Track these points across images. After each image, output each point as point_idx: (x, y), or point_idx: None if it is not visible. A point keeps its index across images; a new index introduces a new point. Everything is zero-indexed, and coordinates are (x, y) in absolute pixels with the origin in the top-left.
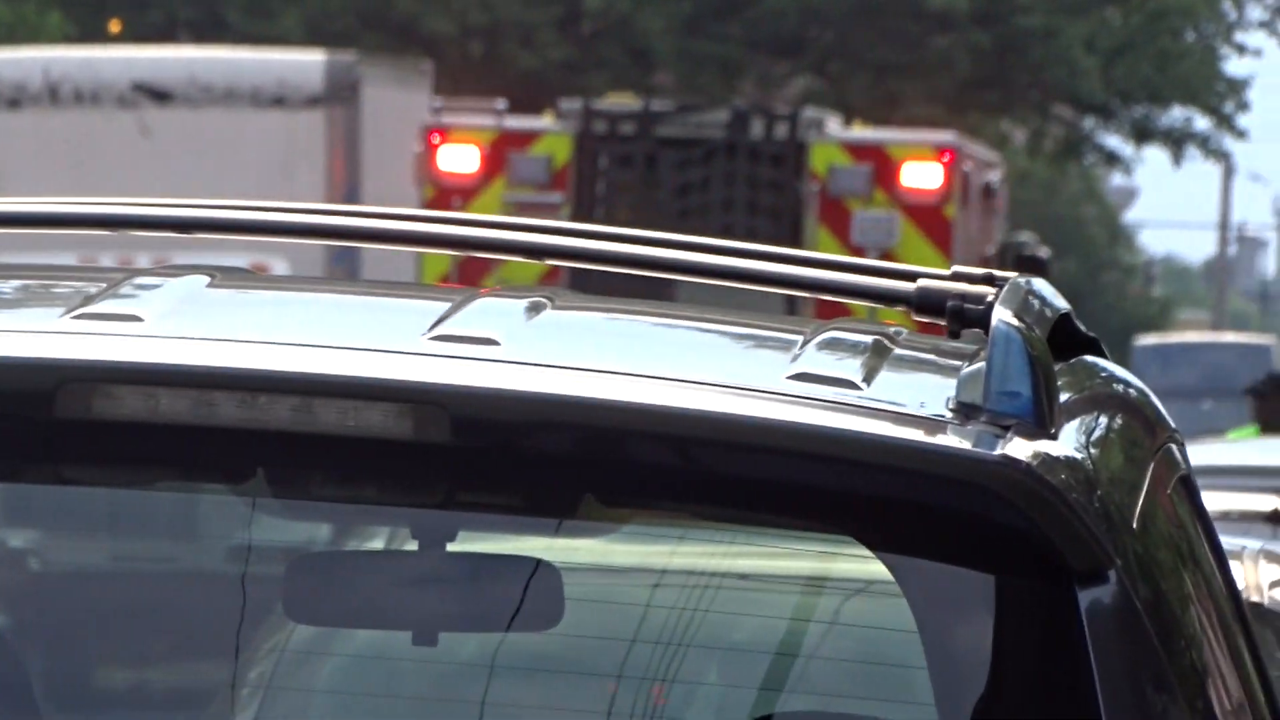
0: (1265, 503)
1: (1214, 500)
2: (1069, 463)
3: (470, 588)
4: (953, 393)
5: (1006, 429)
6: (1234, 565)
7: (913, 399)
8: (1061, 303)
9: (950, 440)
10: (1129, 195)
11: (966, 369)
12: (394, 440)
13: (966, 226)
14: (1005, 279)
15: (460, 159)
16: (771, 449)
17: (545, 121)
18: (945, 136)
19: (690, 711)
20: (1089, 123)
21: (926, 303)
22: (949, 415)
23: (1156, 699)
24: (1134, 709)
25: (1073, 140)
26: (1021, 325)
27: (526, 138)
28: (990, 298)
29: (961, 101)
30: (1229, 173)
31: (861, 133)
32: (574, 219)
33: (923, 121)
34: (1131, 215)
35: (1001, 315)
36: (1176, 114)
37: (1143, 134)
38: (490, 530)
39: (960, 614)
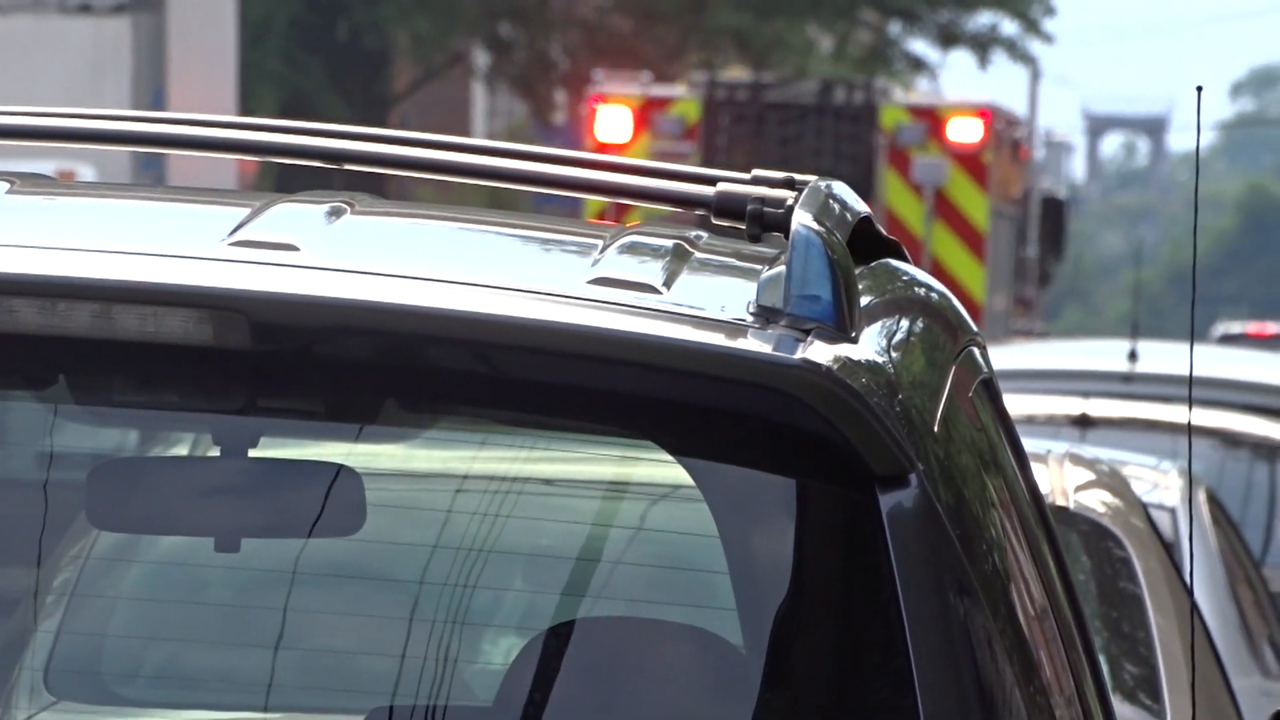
0: (1072, 406)
1: (1019, 404)
2: (869, 366)
3: (272, 494)
4: (753, 297)
5: (807, 333)
6: (1038, 469)
7: (713, 303)
8: (862, 206)
9: (750, 344)
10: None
11: (766, 273)
12: (194, 346)
13: (999, 171)
14: (805, 183)
15: (616, 118)
16: (571, 353)
17: (679, 89)
18: (984, 100)
19: (494, 617)
20: (895, 28)
21: (726, 207)
22: (749, 319)
23: (959, 603)
24: (936, 613)
25: (879, 46)
26: (821, 229)
27: (665, 102)
28: (790, 201)
29: (768, 6)
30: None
31: (920, 97)
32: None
33: (731, 30)
34: None
35: (801, 219)
36: (984, 18)
37: (949, 38)
38: (292, 436)
39: (761, 519)
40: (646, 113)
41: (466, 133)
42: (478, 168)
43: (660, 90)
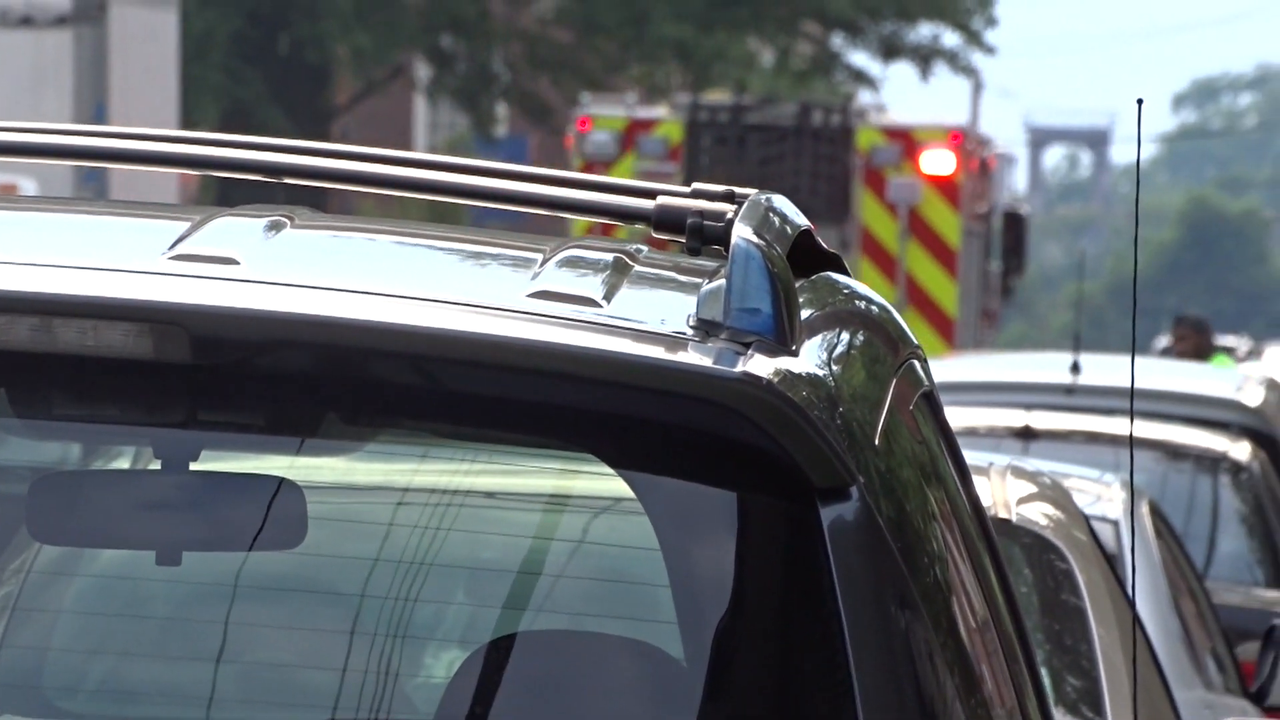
0: (1014, 418)
1: (962, 416)
2: (810, 379)
3: (213, 507)
4: (693, 310)
5: (747, 346)
6: (980, 481)
7: (653, 316)
8: (802, 220)
9: (690, 357)
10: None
11: (706, 286)
12: (134, 360)
13: (968, 188)
14: (745, 196)
15: (602, 138)
16: (511, 367)
17: (662, 111)
18: (956, 123)
19: (436, 631)
20: (837, 40)
21: (666, 220)
22: (690, 332)
23: (900, 616)
24: (877, 626)
25: (820, 58)
26: (761, 242)
27: (650, 123)
28: (730, 215)
29: (710, 19)
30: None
31: (894, 119)
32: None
33: (672, 43)
34: None
35: (741, 232)
36: (925, 30)
37: (891, 50)
38: (233, 449)
39: (702, 532)
40: (632, 134)
41: (408, 146)
42: (418, 181)
43: (645, 112)
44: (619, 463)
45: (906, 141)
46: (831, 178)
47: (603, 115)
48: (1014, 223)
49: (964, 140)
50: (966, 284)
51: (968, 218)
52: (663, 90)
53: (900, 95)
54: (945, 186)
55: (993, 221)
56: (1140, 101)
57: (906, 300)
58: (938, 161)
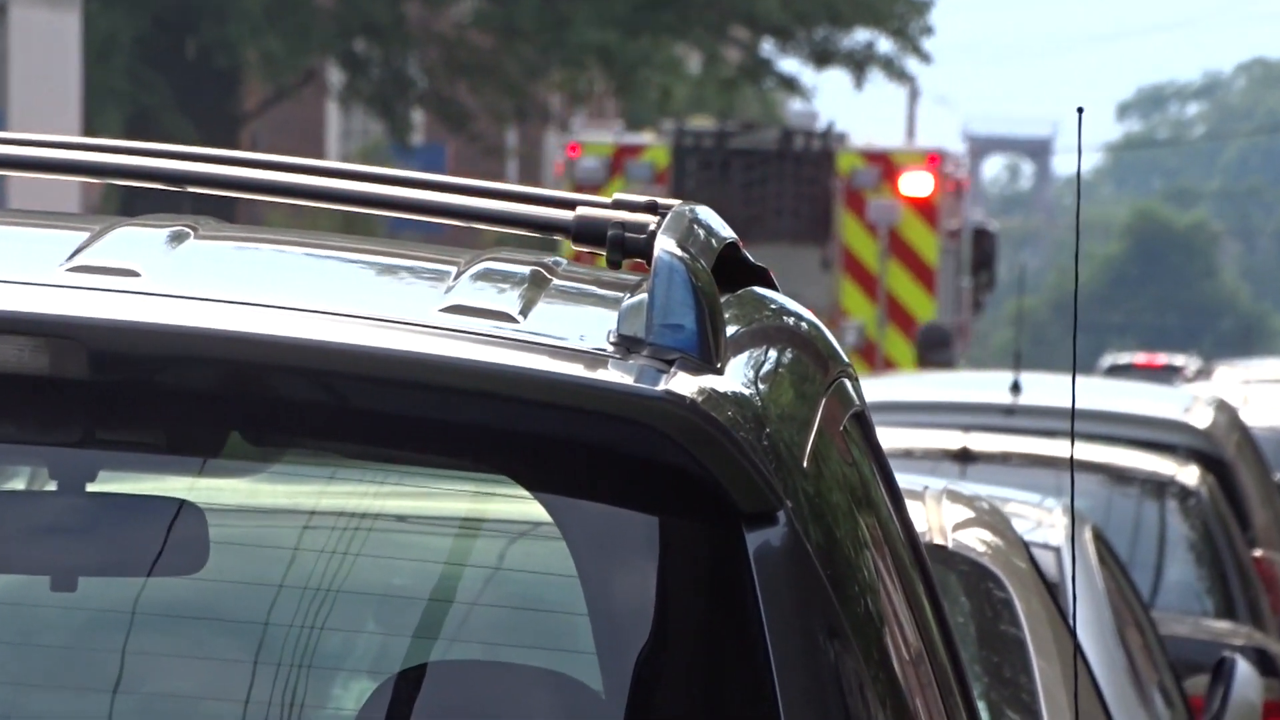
0: (952, 440)
1: (897, 438)
2: (736, 398)
3: (111, 530)
4: (614, 326)
5: (670, 363)
6: (915, 506)
7: (572, 332)
8: (727, 232)
9: (610, 375)
10: (810, 120)
11: (628, 301)
12: (29, 375)
13: (944, 209)
14: (668, 206)
15: (591, 164)
16: (422, 385)
17: (649, 137)
18: (932, 147)
19: (344, 661)
20: (767, 46)
21: (585, 231)
22: (609, 349)
23: (829, 646)
24: (805, 657)
25: (750, 64)
26: (685, 255)
27: (637, 149)
28: (652, 226)
29: (634, 24)
30: (914, 96)
31: (872, 144)
32: None
33: (595, 48)
34: None
35: (664, 244)
36: (859, 36)
37: (823, 57)
38: (132, 470)
39: (622, 558)
40: (620, 159)
41: (320, 154)
42: (330, 191)
43: (632, 138)
44: (535, 485)
45: (885, 164)
46: (814, 200)
47: (592, 141)
48: (983, 239)
49: (941, 163)
50: (944, 301)
51: (942, 236)
52: (583, 97)
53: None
54: (923, 207)
55: (962, 238)
56: (1080, 110)
57: (887, 317)
58: (916, 183)
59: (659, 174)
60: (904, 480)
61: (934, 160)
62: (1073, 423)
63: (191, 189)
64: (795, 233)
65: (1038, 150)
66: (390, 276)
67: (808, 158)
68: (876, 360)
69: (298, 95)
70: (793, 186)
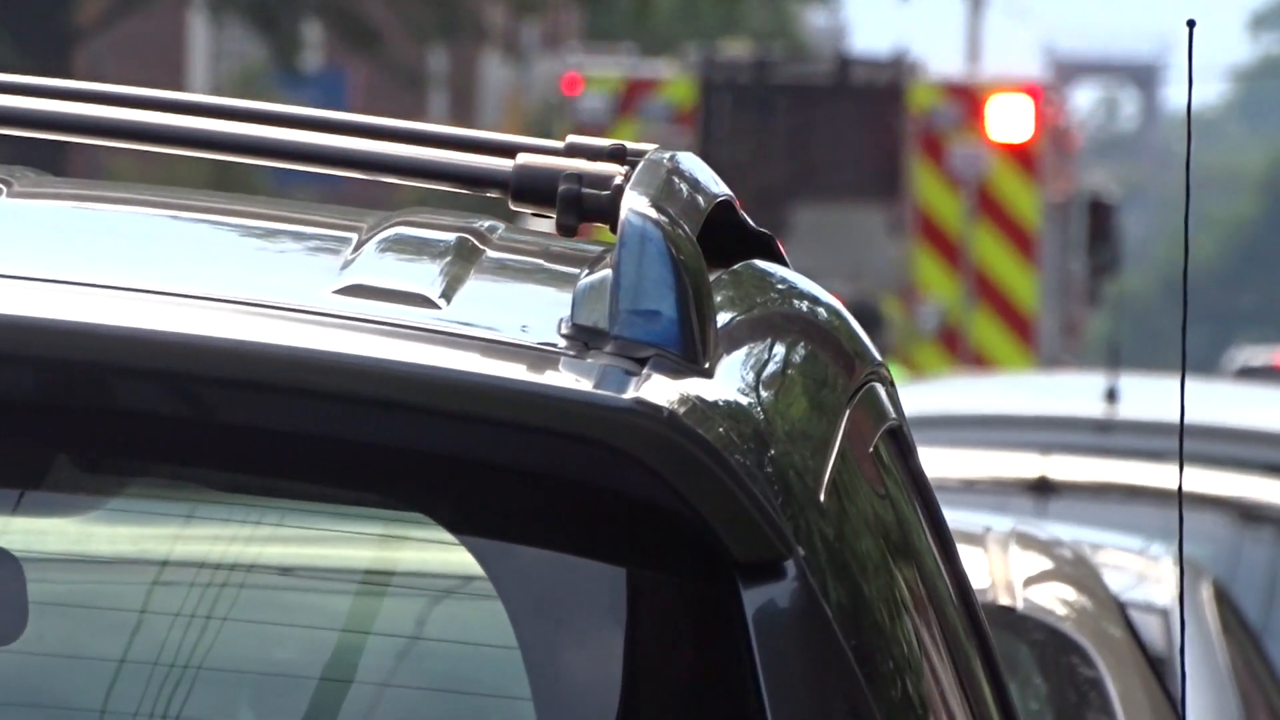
0: (1027, 466)
1: (949, 463)
2: (729, 410)
3: None
4: (567, 313)
5: (641, 363)
6: (974, 554)
7: (510, 321)
8: (720, 187)
9: (560, 379)
10: (836, 36)
11: (586, 279)
12: None
13: (1048, 161)
14: (640, 154)
15: (596, 101)
16: (311, 392)
17: (667, 69)
18: (1031, 78)
19: None
20: None
21: (528, 186)
22: (561, 344)
23: None
24: None
25: None
26: (663, 217)
27: (653, 84)
28: (619, 180)
29: None
30: (978, 4)
31: (955, 74)
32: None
33: None
34: None
35: (634, 204)
36: None
37: None
38: None
39: (576, 624)
40: (632, 96)
41: (181, 83)
42: (193, 132)
43: (647, 70)
44: (461, 527)
45: (971, 100)
46: (878, 147)
47: (596, 75)
48: (1100, 213)
49: (1043, 98)
50: (1048, 285)
51: (1047, 197)
52: (533, 6)
53: (866, 13)
54: (1020, 155)
55: (1071, 213)
56: (1191, 24)
57: (976, 296)
58: (1010, 124)
59: (682, 114)
60: (957, 520)
61: (1035, 94)
62: (1180, 442)
63: (5, 130)
64: (856, 188)
65: (1143, 77)
66: (271, 247)
67: (871, 94)
68: (962, 351)
69: (151, 6)
70: (853, 130)
